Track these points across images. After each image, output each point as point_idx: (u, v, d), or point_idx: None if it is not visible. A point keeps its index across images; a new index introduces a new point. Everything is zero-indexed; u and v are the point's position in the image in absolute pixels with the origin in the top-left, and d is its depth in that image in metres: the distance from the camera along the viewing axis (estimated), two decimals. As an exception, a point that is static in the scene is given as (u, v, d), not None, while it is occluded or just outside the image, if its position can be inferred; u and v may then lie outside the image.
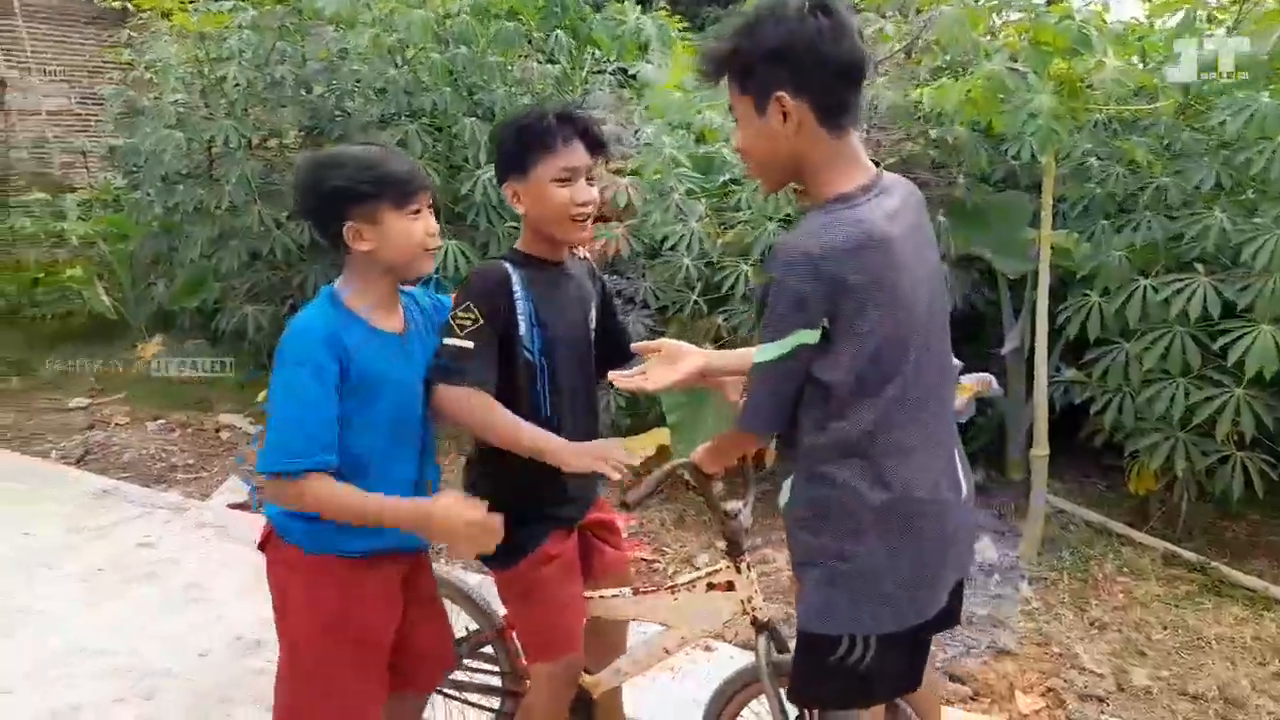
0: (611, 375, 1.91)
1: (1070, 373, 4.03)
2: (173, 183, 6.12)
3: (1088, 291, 3.82)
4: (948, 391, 1.72)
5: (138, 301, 7.40)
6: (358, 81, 5.62)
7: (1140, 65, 3.67)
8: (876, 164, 1.63)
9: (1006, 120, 3.51)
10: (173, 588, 3.67)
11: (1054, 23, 3.44)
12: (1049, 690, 2.98)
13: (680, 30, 6.13)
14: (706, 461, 1.85)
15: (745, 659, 2.36)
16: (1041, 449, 3.71)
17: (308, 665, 1.86)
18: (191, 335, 6.78)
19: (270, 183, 5.89)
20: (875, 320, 1.50)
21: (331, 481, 1.70)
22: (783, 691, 1.93)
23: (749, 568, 1.97)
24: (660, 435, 4.19)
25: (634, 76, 6.20)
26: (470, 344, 1.82)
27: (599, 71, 6.20)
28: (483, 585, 2.35)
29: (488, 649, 2.35)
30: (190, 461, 5.22)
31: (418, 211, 1.81)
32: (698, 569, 3.38)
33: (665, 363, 1.86)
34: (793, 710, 1.95)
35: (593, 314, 2.09)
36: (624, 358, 2.13)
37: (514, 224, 4.54)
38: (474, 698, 2.39)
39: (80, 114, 9.75)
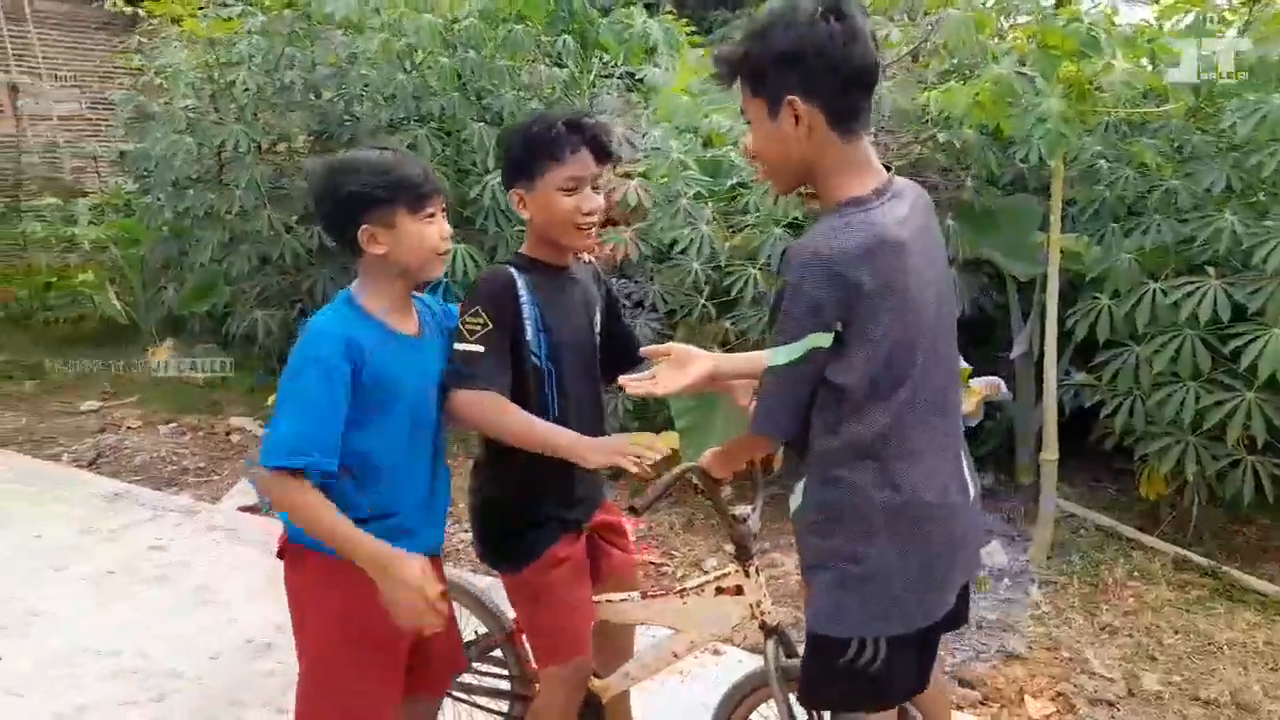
0: (621, 379, 1.92)
1: (1080, 376, 4.02)
2: (183, 187, 6.16)
3: (1097, 294, 3.81)
4: (955, 395, 1.72)
5: (149, 306, 7.44)
6: (366, 86, 5.65)
7: (1150, 68, 3.66)
8: (887, 168, 1.63)
9: (1015, 123, 3.51)
10: (183, 590, 3.69)
11: (1062, 25, 3.44)
12: (1059, 695, 2.97)
13: (687, 34, 6.13)
14: (716, 466, 1.85)
15: (754, 663, 2.36)
16: (1051, 453, 3.70)
17: (328, 671, 1.86)
18: (202, 339, 6.82)
19: (280, 187, 5.92)
20: (887, 324, 1.51)
21: (313, 491, 1.71)
22: (792, 696, 1.93)
23: (758, 572, 1.97)
24: (669, 439, 4.19)
25: (641, 80, 6.21)
26: (480, 348, 1.83)
27: (606, 76, 6.21)
28: (492, 588, 2.35)
29: (497, 652, 2.35)
30: (201, 465, 5.24)
31: (432, 215, 1.82)
32: (706, 573, 3.38)
33: (674, 367, 1.86)
34: (801, 714, 1.95)
35: (597, 318, 2.09)
36: (631, 361, 2.13)
37: (522, 228, 4.55)
38: (483, 701, 2.39)
39: (91, 119, 9.80)
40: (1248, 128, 3.47)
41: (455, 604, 2.17)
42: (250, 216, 5.71)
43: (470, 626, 2.30)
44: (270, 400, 1.87)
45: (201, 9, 5.98)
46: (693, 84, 5.59)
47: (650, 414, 4.35)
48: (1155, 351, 3.59)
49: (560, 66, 5.64)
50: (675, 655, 2.11)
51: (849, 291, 1.48)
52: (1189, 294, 3.53)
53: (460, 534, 3.99)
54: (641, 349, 2.04)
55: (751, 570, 1.96)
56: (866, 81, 1.54)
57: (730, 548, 1.98)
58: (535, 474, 1.94)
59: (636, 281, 4.50)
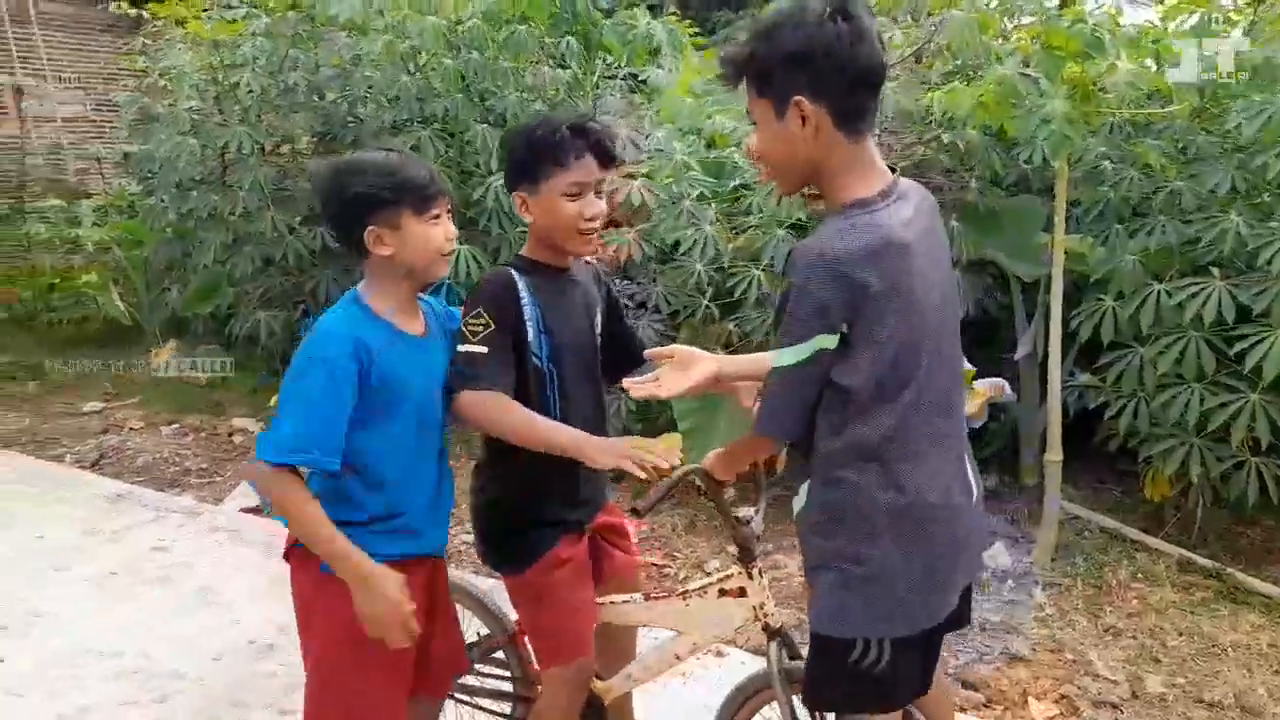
0: (625, 382, 1.91)
1: (1084, 377, 4.01)
2: (187, 189, 6.16)
3: (1101, 296, 3.80)
4: (958, 396, 1.72)
5: (152, 307, 7.45)
6: (370, 88, 5.66)
7: (1154, 68, 3.65)
8: (892, 169, 1.63)
9: (1019, 125, 3.50)
10: (185, 591, 3.69)
11: (1066, 26, 3.43)
12: (1062, 697, 2.96)
13: (690, 35, 6.13)
14: (720, 468, 1.85)
15: (757, 665, 2.36)
16: (1055, 454, 3.69)
17: (335, 672, 1.86)
18: (205, 340, 6.83)
19: (283, 189, 5.93)
20: (893, 325, 1.50)
21: (305, 491, 1.73)
22: (795, 698, 1.92)
23: (760, 573, 1.96)
24: (672, 440, 4.18)
25: (644, 82, 6.20)
26: (484, 348, 1.83)
27: (610, 77, 6.21)
28: (494, 590, 2.35)
29: (499, 654, 2.35)
30: (204, 466, 5.25)
31: (437, 217, 1.83)
32: (709, 574, 3.37)
33: (678, 369, 1.85)
34: (804, 716, 1.95)
35: (598, 319, 2.09)
36: (634, 362, 2.13)
37: (525, 229, 4.57)
38: (485, 703, 2.39)
39: (95, 120, 9.82)
40: (1253, 129, 3.46)
41: (457, 606, 2.17)
42: (253, 218, 5.72)
43: (472, 628, 2.29)
44: (273, 401, 1.87)
45: (206, 11, 5.99)
46: (696, 85, 5.59)
47: (653, 415, 4.34)
48: (1160, 353, 3.58)
49: (564, 68, 5.64)
50: (678, 657, 2.11)
51: (855, 293, 1.47)
52: (1193, 295, 3.52)
53: (463, 535, 3.99)
54: (646, 352, 2.04)
55: (754, 572, 1.95)
56: (873, 82, 1.54)
57: (733, 549, 1.98)
58: (537, 475, 1.94)
59: (639, 283, 4.50)
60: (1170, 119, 4.00)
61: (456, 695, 2.35)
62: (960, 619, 1.79)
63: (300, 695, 1.92)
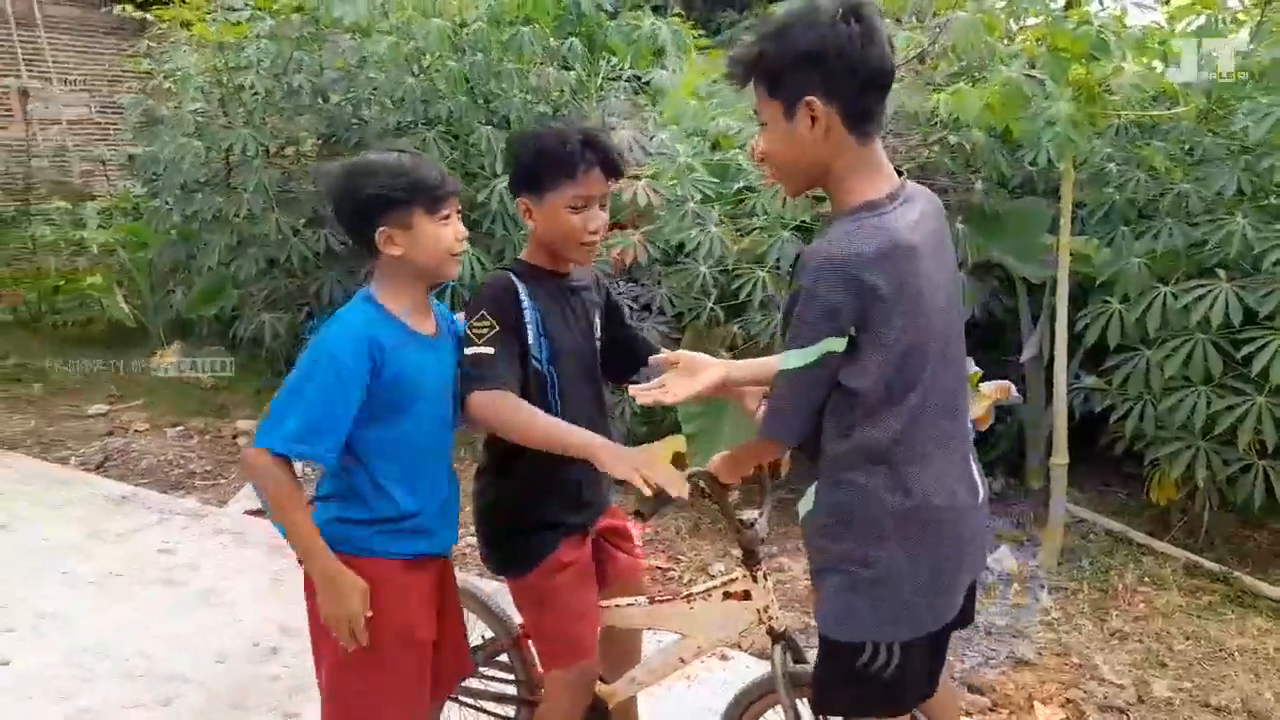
0: (632, 389, 1.91)
1: (1090, 380, 4.00)
2: (191, 191, 6.17)
3: (1108, 298, 3.79)
4: (963, 397, 1.72)
5: (156, 309, 7.46)
6: (375, 90, 5.66)
7: (1161, 70, 3.64)
8: (899, 172, 1.62)
9: (1024, 127, 3.49)
10: (189, 593, 3.69)
11: (1071, 28, 3.42)
12: (1068, 701, 2.95)
13: (694, 36, 6.12)
14: (725, 471, 1.85)
15: (762, 668, 2.35)
16: (1061, 457, 3.68)
17: (354, 673, 1.86)
18: (209, 342, 6.84)
19: (288, 191, 5.93)
20: (900, 328, 1.50)
21: (295, 483, 1.75)
22: (799, 702, 1.92)
23: (765, 577, 1.95)
24: (676, 443, 4.17)
25: (648, 83, 6.20)
26: (490, 349, 1.83)
27: (614, 78, 6.21)
28: (498, 593, 2.34)
29: (503, 657, 2.34)
30: (208, 468, 5.25)
31: (448, 217, 1.85)
32: (713, 578, 3.36)
33: (684, 375, 1.85)
34: (809, 719, 1.94)
35: (597, 322, 2.09)
36: (638, 364, 2.13)
37: (529, 232, 4.57)
38: (489, 706, 2.38)
39: (100, 123, 9.85)
40: (1260, 131, 3.45)
41: (461, 608, 2.17)
42: (258, 220, 5.72)
43: (476, 631, 2.29)
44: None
45: (210, 14, 6.00)
46: (700, 86, 5.59)
47: (657, 417, 4.34)
48: (1166, 356, 3.57)
49: (568, 69, 5.64)
50: (682, 660, 2.11)
51: (864, 296, 1.47)
52: (1200, 298, 3.51)
53: (467, 538, 3.98)
54: (651, 358, 2.04)
55: (759, 575, 1.94)
56: (883, 84, 1.54)
57: (738, 552, 1.97)
58: (539, 478, 1.94)
59: (644, 285, 4.49)
60: (1176, 121, 3.99)
61: (460, 698, 2.35)
62: (965, 617, 1.79)
63: (303, 697, 1.92)
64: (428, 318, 1.92)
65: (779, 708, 1.97)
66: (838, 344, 1.50)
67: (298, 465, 1.79)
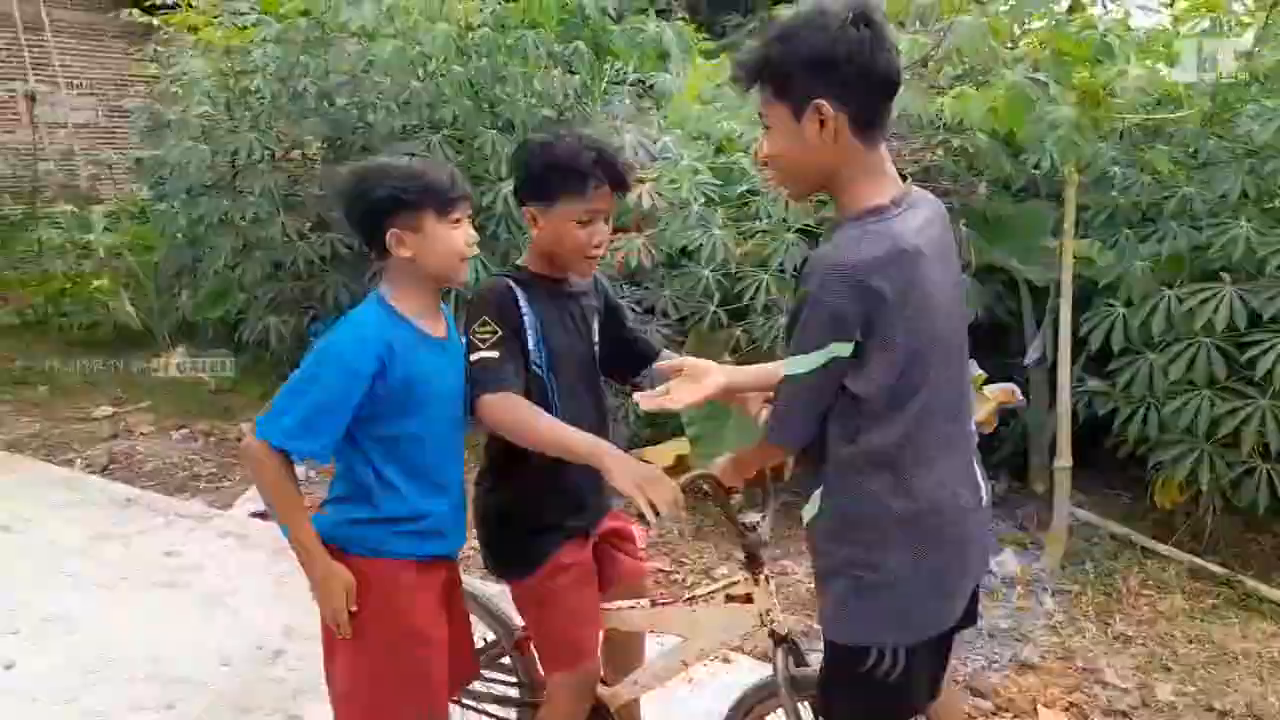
0: (636, 395, 1.91)
1: (1094, 383, 4.00)
2: (197, 194, 6.19)
3: (1111, 301, 3.79)
4: (966, 401, 1.72)
5: (162, 312, 7.47)
6: (380, 94, 5.66)
7: (1165, 73, 3.64)
8: (903, 176, 1.63)
9: (1028, 130, 3.49)
10: (194, 596, 3.69)
11: (1075, 32, 3.42)
12: (1072, 705, 2.95)
13: (699, 40, 6.13)
14: (728, 474, 1.85)
15: (764, 671, 2.35)
16: (1065, 460, 3.68)
17: (369, 674, 1.87)
18: (214, 345, 6.86)
19: (293, 194, 5.95)
20: (906, 334, 1.50)
21: (291, 478, 1.78)
22: (801, 705, 1.92)
23: (768, 580, 1.95)
24: (678, 446, 4.18)
25: (653, 87, 6.20)
26: (495, 353, 1.84)
27: (618, 82, 6.21)
28: (501, 595, 2.34)
29: (505, 660, 2.35)
30: (213, 470, 5.26)
31: (458, 220, 1.86)
32: (716, 581, 3.36)
33: (688, 381, 1.86)
34: (810, 722, 1.94)
35: (595, 327, 2.09)
36: (640, 365, 2.14)
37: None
38: (491, 708, 2.39)
39: (107, 127, 9.90)
40: (1265, 134, 3.45)
41: (467, 610, 2.17)
42: (264, 224, 5.73)
43: (479, 633, 2.29)
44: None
45: (217, 18, 6.02)
46: (704, 90, 5.59)
47: (660, 420, 4.34)
48: (1170, 359, 3.57)
49: (572, 73, 5.65)
50: (685, 664, 2.11)
51: (870, 302, 1.46)
52: (1204, 301, 3.51)
53: (470, 540, 3.99)
54: (655, 365, 2.04)
55: (762, 578, 1.94)
56: (891, 88, 1.54)
57: (740, 555, 1.97)
58: (540, 481, 1.94)
59: (647, 288, 4.49)
60: (1180, 124, 3.98)
61: (463, 700, 2.35)
62: (969, 618, 1.79)
63: (307, 700, 1.92)
64: (438, 320, 1.93)
65: (781, 711, 1.97)
66: (843, 349, 1.50)
67: (300, 469, 1.81)
